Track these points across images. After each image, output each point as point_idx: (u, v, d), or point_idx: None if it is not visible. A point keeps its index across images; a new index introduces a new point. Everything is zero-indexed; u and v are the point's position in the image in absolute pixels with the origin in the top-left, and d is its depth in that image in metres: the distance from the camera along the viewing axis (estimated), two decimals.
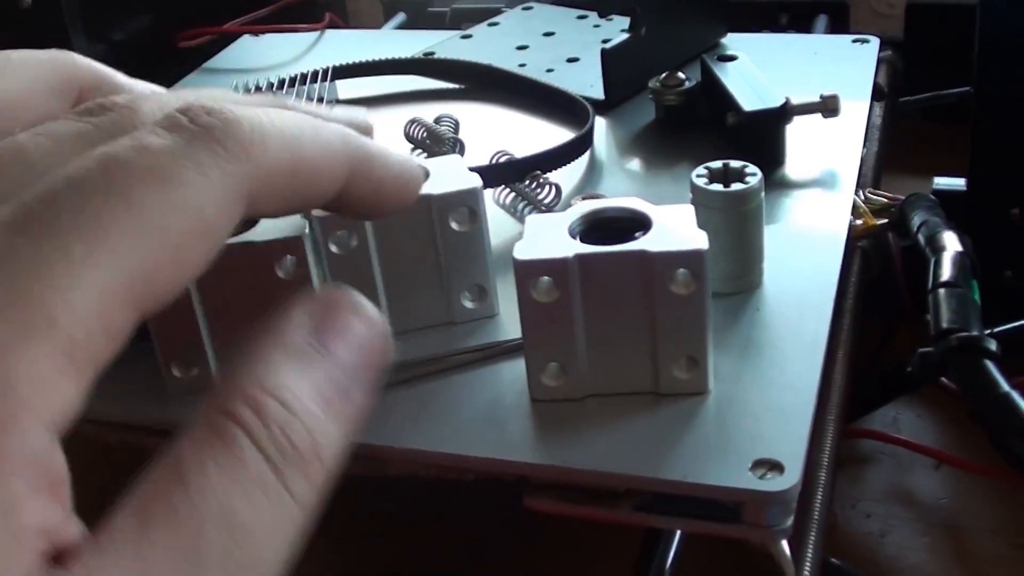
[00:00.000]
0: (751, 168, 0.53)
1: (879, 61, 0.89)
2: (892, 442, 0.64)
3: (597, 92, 0.75)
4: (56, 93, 0.35)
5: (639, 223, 0.47)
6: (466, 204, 0.51)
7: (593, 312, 0.46)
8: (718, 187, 0.52)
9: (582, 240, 0.46)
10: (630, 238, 0.45)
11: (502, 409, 0.48)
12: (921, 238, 0.57)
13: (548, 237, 0.46)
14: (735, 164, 0.53)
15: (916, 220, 0.59)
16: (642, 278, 0.45)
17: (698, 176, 0.53)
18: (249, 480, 0.23)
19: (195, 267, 0.26)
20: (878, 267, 0.65)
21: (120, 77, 0.38)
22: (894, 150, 0.85)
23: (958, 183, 0.73)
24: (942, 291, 0.52)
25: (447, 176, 0.52)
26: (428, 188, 0.51)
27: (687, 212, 0.47)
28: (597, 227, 0.47)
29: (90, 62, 0.36)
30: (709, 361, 0.47)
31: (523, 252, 0.45)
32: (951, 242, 0.56)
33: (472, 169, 0.53)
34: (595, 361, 0.47)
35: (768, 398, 0.47)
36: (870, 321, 0.67)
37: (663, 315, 0.45)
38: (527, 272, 0.45)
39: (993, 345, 0.49)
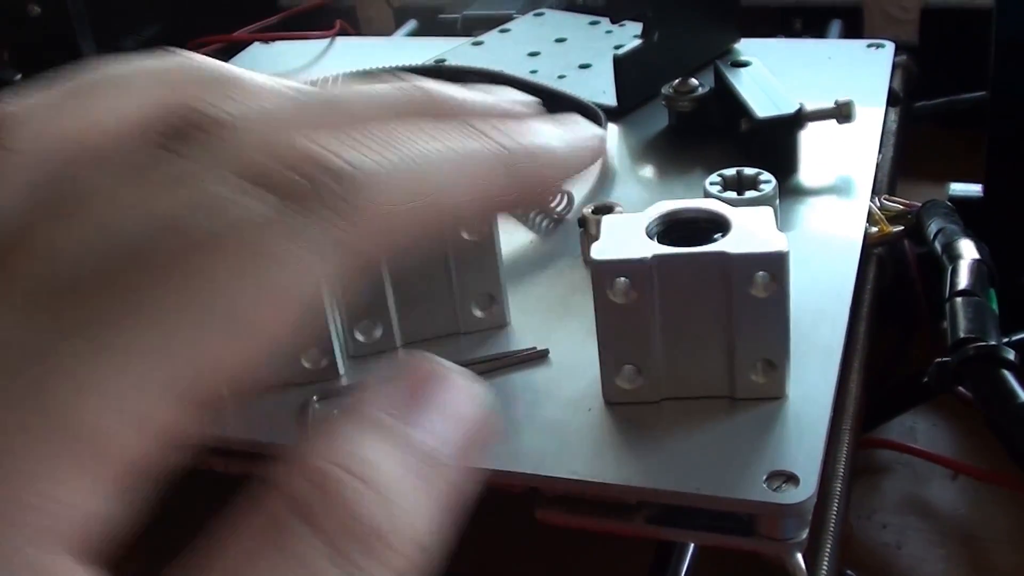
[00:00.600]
0: (765, 175, 0.52)
1: (894, 66, 0.88)
2: (908, 452, 0.63)
3: (610, 98, 0.74)
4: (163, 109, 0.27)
5: (717, 225, 0.46)
6: (474, 212, 0.50)
7: (670, 314, 0.45)
8: (732, 194, 0.51)
9: (659, 241, 0.46)
10: (708, 240, 0.45)
11: (513, 421, 0.48)
12: (938, 246, 0.57)
13: (625, 238, 0.46)
14: (749, 171, 0.53)
15: (933, 227, 0.58)
16: (721, 280, 0.44)
17: (712, 184, 0.52)
18: None
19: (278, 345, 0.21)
20: (893, 274, 0.65)
21: (243, 78, 0.26)
22: (910, 156, 0.85)
23: (974, 189, 0.72)
24: (959, 300, 0.51)
25: None
26: None
27: (767, 214, 0.46)
28: (675, 228, 0.47)
29: (209, 63, 0.28)
30: (787, 365, 0.46)
31: (601, 252, 0.45)
32: (968, 250, 0.55)
33: None
34: (671, 364, 0.47)
35: (783, 408, 0.46)
36: (886, 329, 0.67)
37: (742, 318, 0.45)
38: (605, 273, 0.45)
39: (1011, 354, 0.48)
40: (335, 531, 0.19)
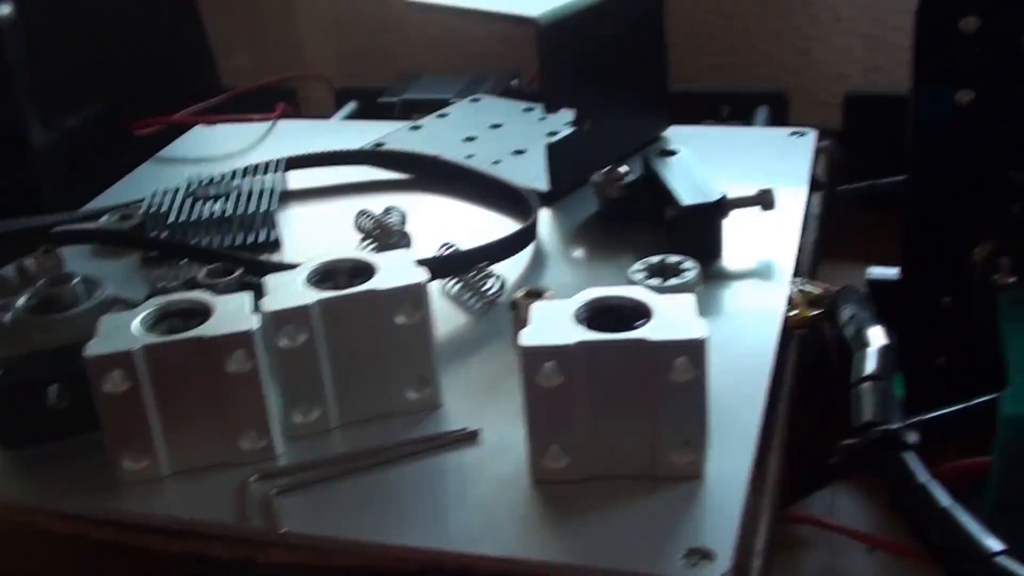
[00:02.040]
0: (688, 263, 0.55)
1: (818, 151, 0.92)
2: (826, 527, 0.66)
3: (543, 184, 0.77)
4: None
5: (640, 312, 0.49)
6: (412, 299, 0.53)
7: (596, 397, 0.48)
8: (655, 282, 0.54)
9: (586, 328, 0.48)
10: (632, 326, 0.47)
11: (443, 500, 0.50)
12: (848, 332, 0.59)
13: (553, 324, 0.48)
14: (672, 259, 0.55)
15: (845, 313, 0.61)
16: (643, 365, 0.47)
17: (636, 272, 0.55)
18: None
19: None
20: (815, 356, 0.67)
21: None
22: (834, 238, 0.88)
23: (892, 272, 0.75)
24: (865, 385, 0.54)
25: (394, 270, 0.53)
26: (374, 283, 0.52)
27: (688, 301, 0.49)
28: (601, 315, 0.49)
29: None
30: (706, 446, 0.49)
31: (529, 338, 0.47)
32: (876, 336, 0.58)
33: (419, 262, 0.55)
34: (596, 445, 0.49)
35: (702, 487, 0.49)
36: (808, 408, 0.69)
37: (663, 401, 0.47)
38: (533, 358, 0.47)
39: (913, 437, 0.50)
40: None
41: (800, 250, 0.79)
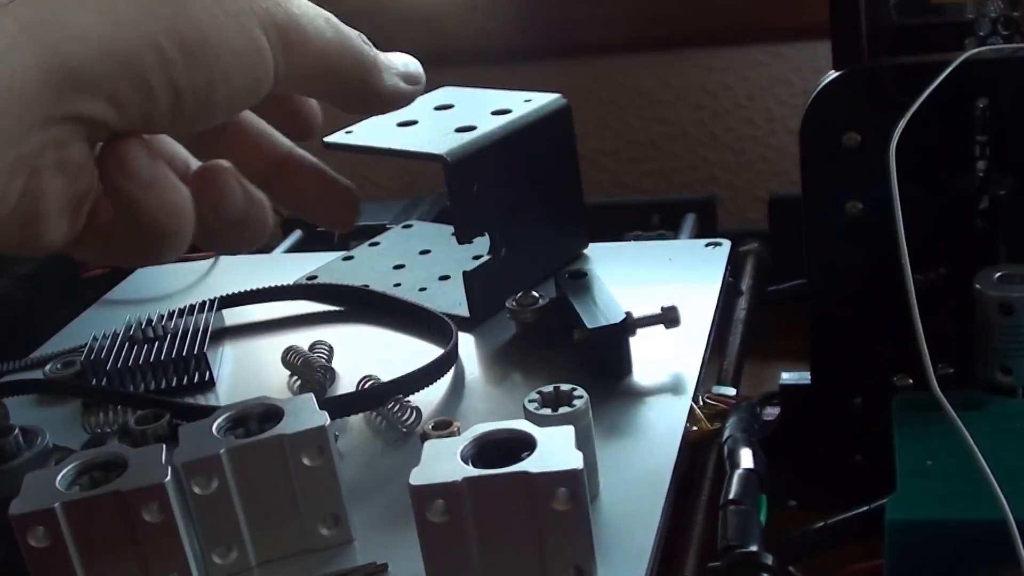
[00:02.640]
0: (579, 391, 0.58)
1: (747, 253, 0.95)
2: None
3: (464, 310, 0.80)
4: None
5: (525, 444, 0.51)
6: (315, 442, 0.55)
7: (485, 528, 0.50)
8: (547, 411, 0.57)
9: (473, 463, 0.51)
10: (516, 459, 0.50)
11: None
12: (725, 452, 0.62)
13: (441, 461, 0.51)
14: (565, 387, 0.58)
15: (725, 433, 0.64)
16: (527, 497, 0.49)
17: (530, 401, 0.58)
18: None
19: None
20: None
21: None
22: (765, 337, 0.91)
23: (805, 377, 0.78)
24: (729, 508, 0.57)
25: (299, 414, 0.56)
26: (281, 428, 0.55)
27: (567, 432, 0.51)
28: (488, 449, 0.52)
29: None
30: (595, 571, 0.51)
31: (418, 477, 0.50)
32: (745, 459, 0.61)
33: (332, 399, 0.58)
34: (490, 574, 0.51)
35: None
36: None
37: (548, 530, 0.50)
38: (422, 496, 0.50)
39: (769, 559, 0.53)
40: None
41: (725, 355, 0.83)
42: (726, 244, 0.86)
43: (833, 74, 0.70)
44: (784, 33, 1.20)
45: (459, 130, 0.78)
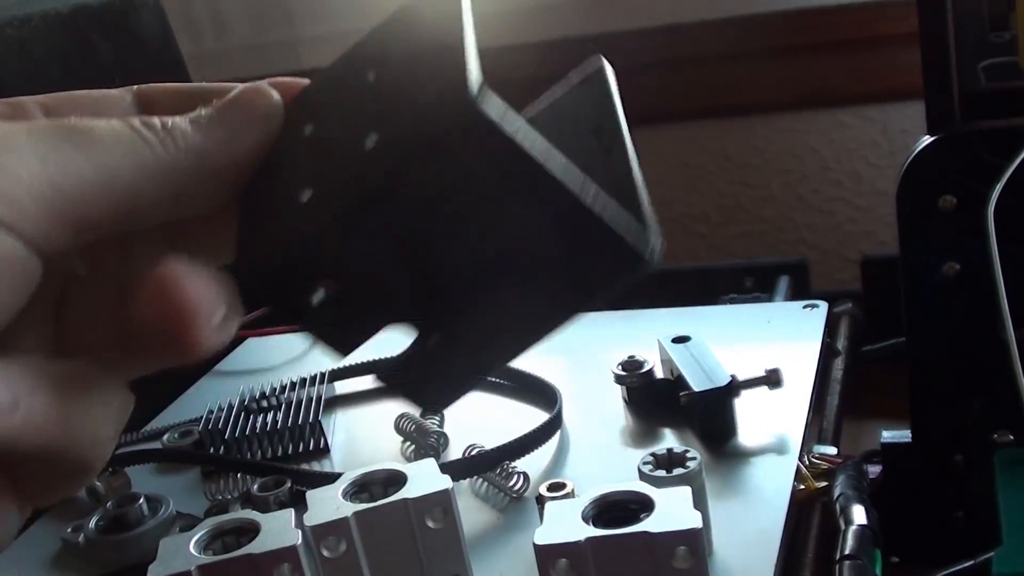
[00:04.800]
0: (691, 453, 0.59)
1: (841, 314, 0.97)
2: None
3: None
4: None
5: (644, 505, 0.53)
6: (439, 504, 0.58)
7: None
8: (661, 473, 0.59)
9: (594, 524, 0.52)
10: (636, 519, 0.52)
11: None
12: (837, 509, 0.64)
13: (564, 521, 0.53)
14: (678, 450, 0.60)
15: (836, 491, 0.65)
16: (647, 555, 0.51)
17: (644, 463, 0.59)
18: None
19: None
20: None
21: None
22: (861, 396, 0.92)
23: (905, 435, 0.79)
24: (846, 563, 0.58)
25: (422, 478, 0.58)
26: (405, 492, 0.57)
27: (685, 493, 0.53)
28: (608, 510, 0.54)
29: None
30: None
31: (543, 537, 0.52)
32: (858, 515, 0.62)
33: (446, 465, 0.60)
34: None
35: None
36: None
37: None
38: (547, 555, 0.51)
39: None
40: None
41: (824, 415, 0.84)
42: (823, 306, 0.88)
43: (927, 139, 0.71)
44: (869, 96, 1.22)
45: None
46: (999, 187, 0.63)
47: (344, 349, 0.35)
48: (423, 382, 0.37)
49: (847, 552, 0.59)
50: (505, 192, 0.31)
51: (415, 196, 0.31)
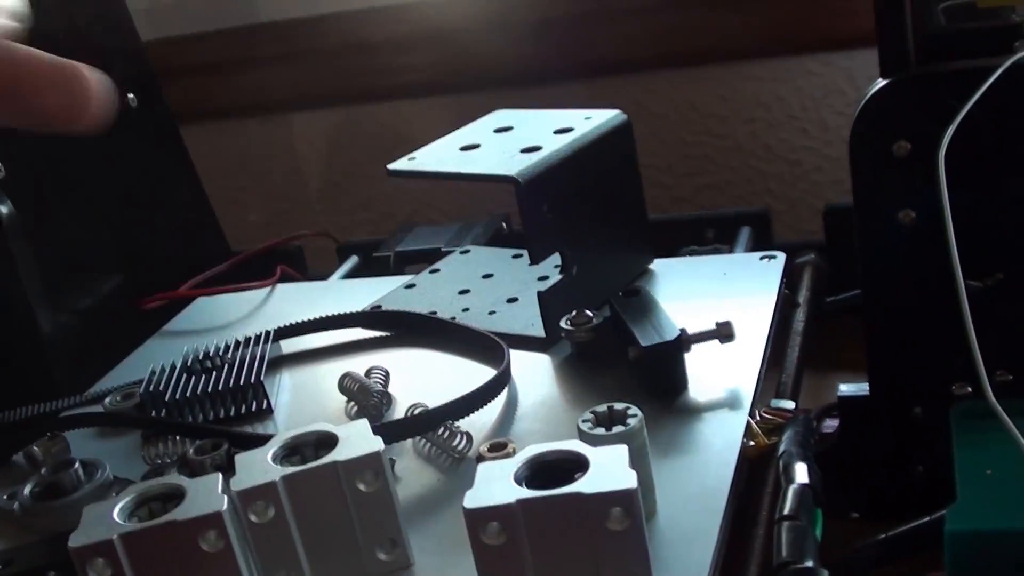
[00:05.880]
0: (633, 410, 0.57)
1: (804, 264, 0.95)
2: None
3: (538, 330, 0.80)
4: None
5: (578, 464, 0.51)
6: (370, 467, 0.55)
7: (540, 549, 0.50)
8: (600, 431, 0.57)
9: (527, 485, 0.51)
10: (570, 480, 0.50)
11: None
12: (780, 467, 0.62)
13: (495, 484, 0.51)
14: (619, 406, 0.58)
15: (780, 449, 0.63)
16: (581, 517, 0.49)
17: (584, 421, 0.57)
18: None
19: None
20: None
21: None
22: (823, 348, 0.90)
23: (863, 388, 0.77)
24: (784, 524, 0.56)
25: (353, 440, 0.56)
26: (335, 455, 0.55)
27: (621, 452, 0.51)
28: (541, 471, 0.52)
29: None
30: None
31: (472, 500, 0.50)
32: (800, 474, 0.60)
33: (386, 425, 0.58)
34: None
35: None
36: None
37: (604, 550, 0.50)
38: (476, 518, 0.50)
39: (825, 575, 0.53)
40: None
41: (783, 367, 0.82)
42: (781, 257, 0.86)
43: (881, 82, 0.69)
44: (836, 42, 1.20)
45: (524, 151, 0.78)
46: (951, 130, 0.61)
47: None
48: None
49: (786, 512, 0.57)
50: None
51: None
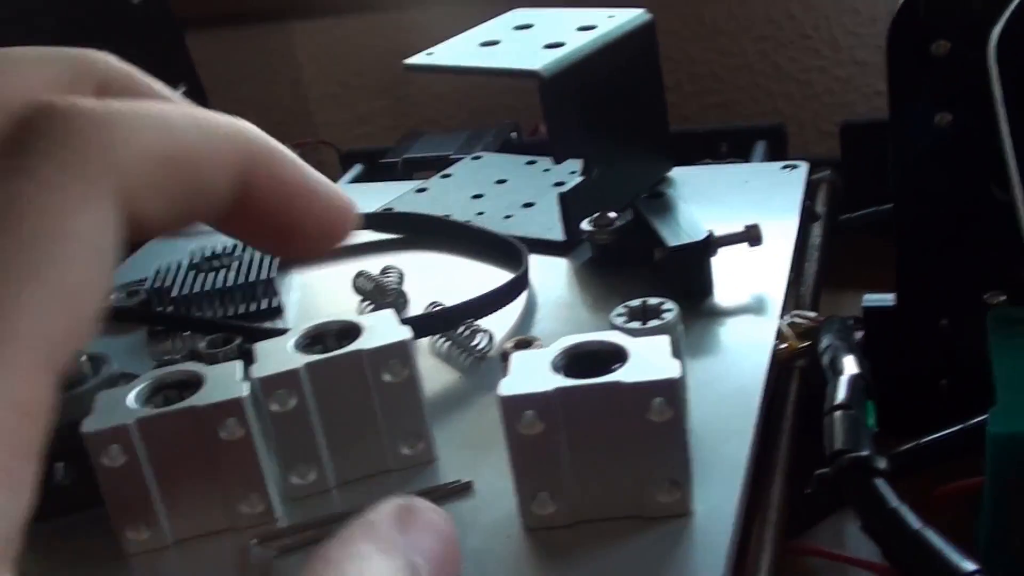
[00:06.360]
0: (668, 304, 0.55)
1: (820, 181, 0.93)
2: (833, 558, 0.65)
3: (556, 233, 0.78)
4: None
5: (617, 355, 0.49)
6: (397, 356, 0.53)
7: (577, 442, 0.48)
8: (636, 324, 0.55)
9: (564, 374, 0.49)
10: (608, 370, 0.48)
11: None
12: (825, 361, 0.60)
13: (531, 372, 0.49)
14: (653, 301, 0.56)
15: (823, 344, 0.61)
16: (621, 407, 0.47)
17: (617, 315, 0.56)
18: None
19: (95, 300, 0.23)
20: (816, 387, 0.68)
21: (137, 77, 0.29)
22: (837, 266, 0.88)
23: (888, 298, 0.75)
24: (836, 414, 0.54)
25: (379, 330, 0.54)
26: (361, 343, 0.53)
27: (663, 342, 0.50)
28: (578, 361, 0.50)
29: (108, 59, 0.29)
30: (691, 484, 0.49)
31: (508, 388, 0.48)
32: (849, 365, 0.58)
33: (405, 321, 0.56)
34: (582, 489, 0.49)
35: (690, 525, 0.49)
36: (815, 438, 0.69)
37: (643, 442, 0.48)
38: (512, 407, 0.48)
39: (883, 463, 0.51)
40: None
41: (802, 282, 0.80)
42: (803, 166, 0.84)
43: None
44: None
45: (547, 47, 0.75)
46: (1003, 22, 0.59)
47: None
48: None
49: (838, 402, 0.55)
50: None
51: None
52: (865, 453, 0.51)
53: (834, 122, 1.17)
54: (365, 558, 0.26)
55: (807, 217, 0.82)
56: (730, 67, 1.25)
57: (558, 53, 0.73)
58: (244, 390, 0.51)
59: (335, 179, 1.01)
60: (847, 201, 0.94)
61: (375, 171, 1.04)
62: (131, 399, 0.53)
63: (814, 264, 0.83)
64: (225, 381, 0.53)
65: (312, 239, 0.29)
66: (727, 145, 1.02)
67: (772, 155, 1.00)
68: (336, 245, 0.29)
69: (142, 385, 0.54)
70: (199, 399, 0.52)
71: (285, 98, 1.37)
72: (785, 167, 0.85)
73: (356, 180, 1.05)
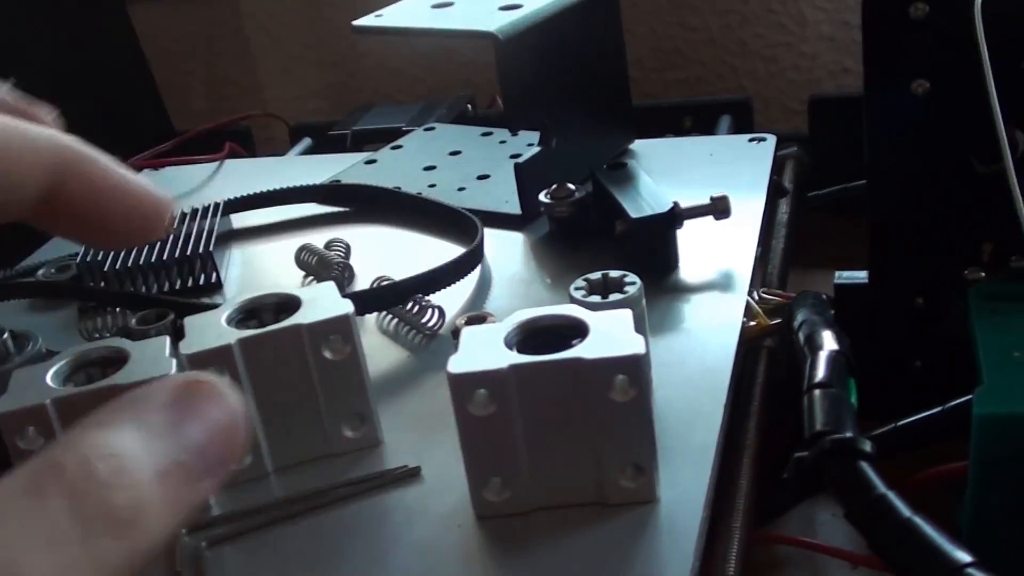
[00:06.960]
0: (630, 277, 0.52)
1: (786, 157, 0.89)
2: (804, 547, 0.62)
3: (513, 207, 0.74)
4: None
5: (576, 330, 0.45)
6: (338, 331, 0.49)
7: (533, 423, 0.45)
8: (596, 298, 0.51)
9: (519, 351, 0.45)
10: (567, 346, 0.44)
11: (384, 542, 0.47)
12: (800, 337, 0.56)
13: (483, 349, 0.45)
14: (614, 274, 0.52)
15: (798, 319, 0.58)
16: (580, 386, 0.43)
17: (576, 289, 0.52)
18: (47, 533, 0.21)
19: None
20: (785, 366, 0.64)
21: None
22: (804, 244, 0.85)
23: (860, 276, 0.72)
24: (816, 392, 0.51)
25: (319, 303, 0.50)
26: (299, 317, 0.49)
27: (625, 316, 0.46)
28: (534, 336, 0.46)
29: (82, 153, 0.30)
30: (657, 468, 0.46)
31: (457, 365, 0.44)
32: (828, 341, 0.55)
33: (349, 295, 0.52)
34: (538, 474, 0.46)
35: (655, 512, 0.46)
36: (783, 421, 0.66)
37: (604, 423, 0.44)
38: (462, 385, 0.44)
39: (868, 446, 0.47)
40: (83, 504, 0.21)
41: (769, 258, 0.77)
42: (771, 139, 0.81)
43: None
44: None
45: (504, 8, 0.71)
46: None
47: None
48: None
49: (818, 379, 0.51)
50: None
51: None
52: (849, 435, 0.47)
53: (800, 100, 1.14)
54: (117, 434, 0.23)
55: (775, 192, 0.79)
56: (694, 42, 1.21)
57: (515, 15, 0.69)
58: (172, 367, 0.47)
59: (284, 153, 0.98)
60: (815, 178, 0.91)
61: (324, 144, 1.00)
62: (49, 377, 0.48)
63: (781, 241, 0.80)
64: (152, 358, 0.49)
65: (124, 231, 0.31)
66: (691, 120, 0.99)
67: (737, 130, 0.97)
68: (153, 236, 0.32)
69: (62, 363, 0.49)
70: (123, 377, 0.48)
71: (232, 71, 1.33)
72: (752, 140, 0.81)
73: (304, 153, 1.01)
